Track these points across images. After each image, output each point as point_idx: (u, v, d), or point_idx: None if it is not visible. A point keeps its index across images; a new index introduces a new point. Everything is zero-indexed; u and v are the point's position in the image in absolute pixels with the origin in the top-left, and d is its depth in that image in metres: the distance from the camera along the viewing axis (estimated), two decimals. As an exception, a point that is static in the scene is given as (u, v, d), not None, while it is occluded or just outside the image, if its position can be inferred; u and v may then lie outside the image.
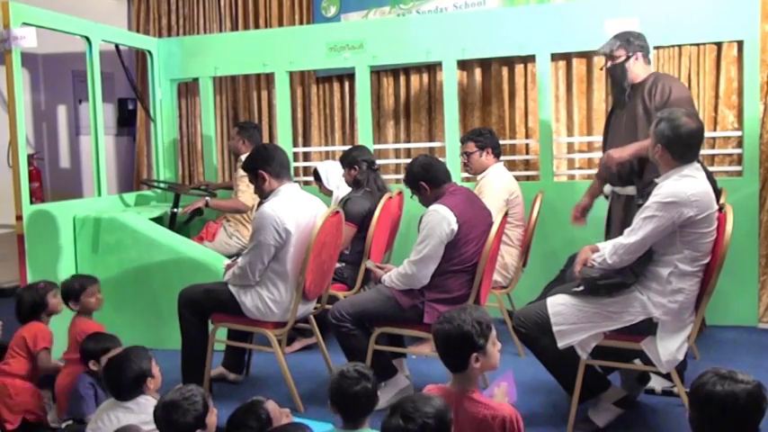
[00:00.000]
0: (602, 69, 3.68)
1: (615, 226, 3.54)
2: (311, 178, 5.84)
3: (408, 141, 5.59)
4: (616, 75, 3.53)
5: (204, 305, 3.39)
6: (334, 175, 4.41)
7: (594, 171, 4.98)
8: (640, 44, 3.51)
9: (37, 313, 3.28)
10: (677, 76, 4.84)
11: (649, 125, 3.25)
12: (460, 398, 2.09)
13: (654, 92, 3.40)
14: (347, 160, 4.23)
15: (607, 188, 3.72)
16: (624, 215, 3.50)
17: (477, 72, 5.35)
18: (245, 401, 2.31)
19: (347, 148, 4.58)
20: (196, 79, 5.56)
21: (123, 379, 2.48)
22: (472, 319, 2.09)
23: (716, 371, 1.86)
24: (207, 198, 4.83)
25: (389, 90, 5.67)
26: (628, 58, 3.49)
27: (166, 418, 2.15)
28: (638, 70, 3.50)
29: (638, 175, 3.43)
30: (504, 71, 5.29)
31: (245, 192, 4.73)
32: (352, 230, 4.01)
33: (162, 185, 5.28)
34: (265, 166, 3.31)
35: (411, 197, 3.41)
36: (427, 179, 3.26)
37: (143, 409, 2.46)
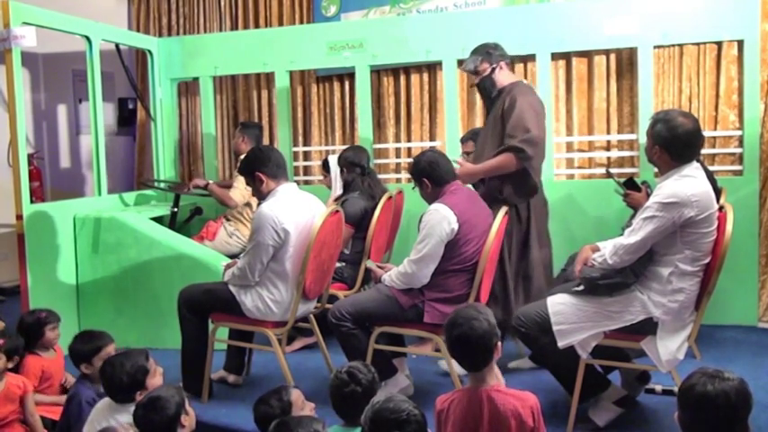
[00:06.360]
0: (471, 86, 3.82)
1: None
2: (311, 177, 5.87)
3: (408, 141, 5.58)
4: (486, 88, 3.73)
5: (204, 305, 3.39)
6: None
7: (595, 171, 5.00)
8: (500, 53, 3.73)
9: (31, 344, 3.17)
10: (678, 76, 4.84)
11: (503, 131, 3.55)
12: (489, 393, 2.13)
13: (505, 104, 3.59)
14: (340, 159, 4.27)
15: None
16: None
17: (478, 71, 5.34)
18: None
19: (347, 146, 4.58)
20: (196, 79, 5.56)
21: (122, 380, 2.43)
22: (484, 317, 2.16)
23: (703, 371, 1.87)
24: (209, 180, 4.98)
25: (390, 89, 5.67)
26: (493, 69, 3.70)
27: (145, 416, 2.17)
28: (502, 78, 3.72)
29: (481, 181, 3.65)
30: (505, 70, 5.28)
31: (236, 189, 4.81)
32: (349, 231, 4.01)
33: (162, 185, 5.28)
34: (261, 167, 3.30)
35: (413, 189, 3.42)
36: (431, 176, 3.26)
37: None
